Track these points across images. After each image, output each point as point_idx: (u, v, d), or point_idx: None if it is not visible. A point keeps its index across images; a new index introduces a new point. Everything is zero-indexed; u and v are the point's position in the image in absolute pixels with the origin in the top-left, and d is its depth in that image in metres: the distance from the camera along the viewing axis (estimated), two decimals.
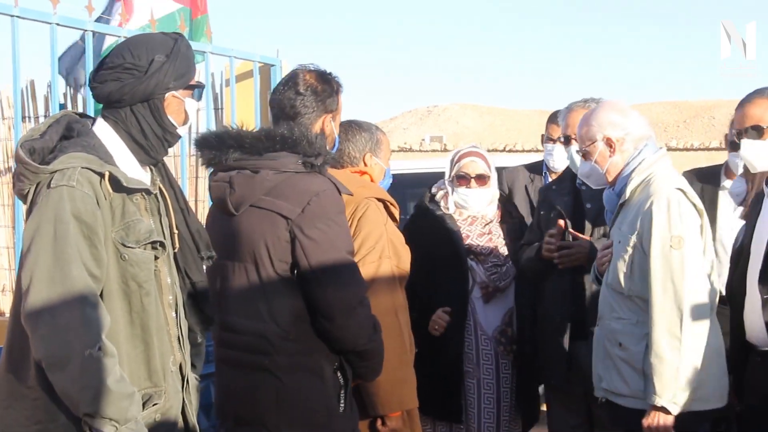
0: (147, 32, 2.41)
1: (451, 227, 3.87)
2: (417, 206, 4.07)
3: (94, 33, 3.86)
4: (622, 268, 3.00)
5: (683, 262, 2.89)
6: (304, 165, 2.62)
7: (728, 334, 3.06)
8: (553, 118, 4.56)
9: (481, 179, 3.88)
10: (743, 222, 3.15)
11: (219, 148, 2.69)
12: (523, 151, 16.19)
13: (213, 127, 4.16)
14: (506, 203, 4.22)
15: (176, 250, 2.36)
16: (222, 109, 4.80)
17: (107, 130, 2.27)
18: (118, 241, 2.16)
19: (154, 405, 2.22)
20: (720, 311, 3.04)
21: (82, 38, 4.70)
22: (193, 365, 2.45)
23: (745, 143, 2.96)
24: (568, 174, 3.87)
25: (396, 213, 3.18)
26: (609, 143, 3.12)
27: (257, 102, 4.56)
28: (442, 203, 3.93)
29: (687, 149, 17.02)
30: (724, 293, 3.14)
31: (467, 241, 3.86)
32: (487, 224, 3.92)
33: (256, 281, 2.63)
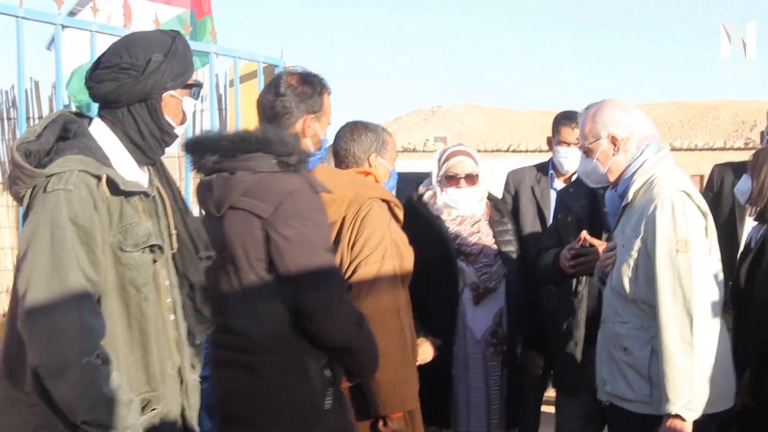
0: (144, 30, 2.36)
1: (440, 228, 3.82)
2: (405, 206, 4.03)
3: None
4: (626, 272, 2.97)
5: (690, 265, 2.86)
6: (279, 165, 2.63)
7: (730, 331, 3.05)
8: (564, 120, 4.50)
9: (470, 179, 3.84)
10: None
11: (200, 151, 2.71)
12: (526, 151, 16.19)
13: (217, 128, 4.16)
14: (501, 203, 4.16)
15: (175, 251, 2.33)
16: (226, 109, 4.80)
17: (104, 131, 2.24)
18: (115, 245, 2.14)
19: (152, 410, 2.20)
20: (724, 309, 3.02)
21: None
22: (192, 366, 2.43)
23: None
24: None
25: (400, 214, 3.18)
26: (613, 141, 3.09)
27: None
28: (430, 204, 3.89)
29: (691, 149, 17.02)
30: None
31: (456, 242, 3.81)
32: (476, 223, 3.89)
33: (238, 282, 2.63)
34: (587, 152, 3.16)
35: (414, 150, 18.46)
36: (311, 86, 2.90)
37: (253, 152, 2.64)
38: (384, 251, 2.97)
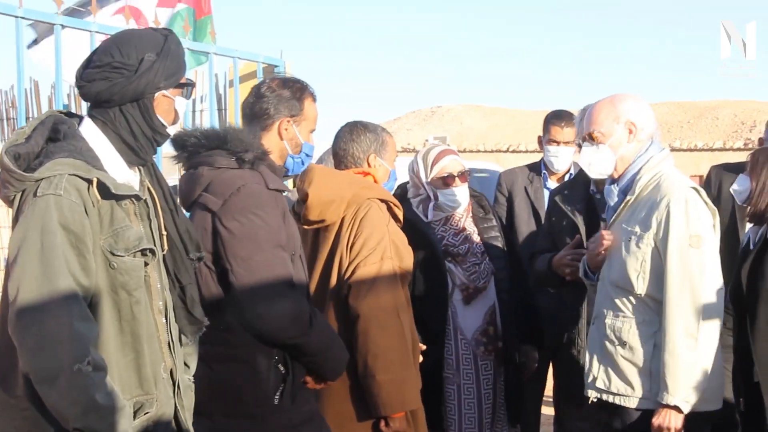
0: (135, 28, 2.34)
1: (426, 231, 3.74)
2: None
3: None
4: (633, 267, 2.97)
5: (702, 261, 2.89)
6: (237, 162, 2.66)
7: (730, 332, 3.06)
8: (554, 119, 4.52)
9: (463, 176, 3.78)
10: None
11: (178, 148, 2.76)
12: (526, 151, 16.17)
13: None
14: (483, 199, 4.13)
15: (165, 252, 2.31)
16: (226, 109, 4.81)
17: (95, 131, 2.20)
18: (106, 249, 2.11)
19: (145, 414, 2.18)
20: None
21: None
22: (186, 365, 2.42)
23: None
24: (581, 179, 3.82)
25: (399, 214, 3.18)
26: (630, 129, 3.07)
27: None
28: (420, 209, 3.79)
29: (691, 150, 17.01)
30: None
31: (443, 243, 3.76)
32: (460, 221, 3.83)
33: (198, 274, 2.62)
34: (596, 139, 3.10)
35: (414, 150, 18.46)
36: (291, 90, 2.92)
37: (213, 149, 2.69)
38: (383, 251, 2.97)
